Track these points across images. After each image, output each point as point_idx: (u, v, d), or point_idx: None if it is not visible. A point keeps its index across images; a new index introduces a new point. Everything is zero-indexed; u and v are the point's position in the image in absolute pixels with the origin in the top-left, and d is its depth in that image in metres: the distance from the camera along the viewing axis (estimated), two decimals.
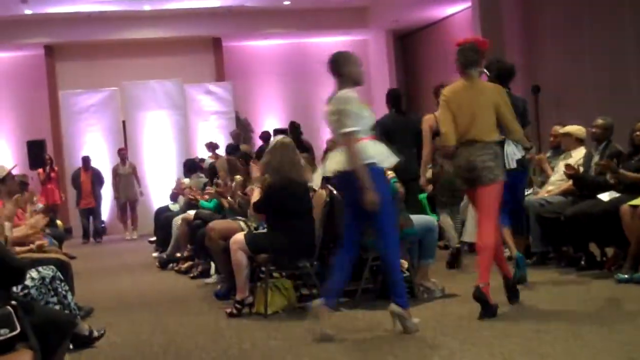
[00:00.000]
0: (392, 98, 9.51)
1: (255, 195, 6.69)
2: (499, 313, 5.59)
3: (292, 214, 6.36)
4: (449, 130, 5.74)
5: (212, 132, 17.09)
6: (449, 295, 6.50)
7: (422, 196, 10.14)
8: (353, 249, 5.50)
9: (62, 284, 5.24)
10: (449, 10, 17.22)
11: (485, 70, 6.76)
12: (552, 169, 8.38)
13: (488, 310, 5.47)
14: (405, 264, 6.57)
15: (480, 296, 5.46)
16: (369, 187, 5.11)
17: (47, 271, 5.09)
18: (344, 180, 5.38)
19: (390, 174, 6.70)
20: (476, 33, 15.34)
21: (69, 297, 5.38)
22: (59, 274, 5.19)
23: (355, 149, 5.19)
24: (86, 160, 15.87)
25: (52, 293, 4.89)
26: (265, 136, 15.01)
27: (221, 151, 14.14)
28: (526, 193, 8.23)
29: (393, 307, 5.27)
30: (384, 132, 7.80)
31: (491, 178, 5.61)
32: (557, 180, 8.08)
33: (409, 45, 19.96)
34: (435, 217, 7.94)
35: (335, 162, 5.36)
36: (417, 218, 6.78)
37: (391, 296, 5.35)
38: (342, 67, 5.73)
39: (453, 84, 6.04)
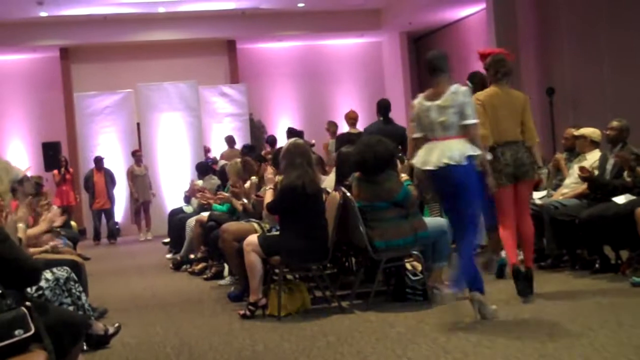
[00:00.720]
0: (382, 107, 10.13)
1: (268, 196, 6.70)
2: (512, 317, 5.57)
3: (305, 215, 6.36)
4: (486, 132, 6.07)
5: (226, 134, 17.12)
6: (463, 298, 6.47)
7: None
8: (465, 233, 5.69)
9: (76, 285, 5.26)
10: (463, 12, 17.19)
11: (468, 82, 7.37)
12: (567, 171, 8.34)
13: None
14: (419, 266, 6.56)
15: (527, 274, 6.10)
16: (490, 172, 5.80)
17: (62, 272, 5.11)
18: (443, 174, 5.52)
19: (404, 177, 6.70)
20: (490, 35, 15.33)
21: (83, 298, 5.40)
22: (73, 275, 5.21)
23: (479, 138, 5.65)
24: (99, 160, 15.92)
25: (66, 294, 4.91)
26: (271, 140, 15.06)
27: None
28: (540, 195, 8.21)
29: (474, 294, 5.52)
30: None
31: (533, 173, 6.35)
32: (571, 183, 8.03)
33: (423, 48, 19.90)
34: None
35: (437, 156, 5.51)
36: (430, 221, 6.77)
37: (470, 285, 5.58)
38: (445, 64, 5.90)
39: (486, 91, 6.47)
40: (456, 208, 5.65)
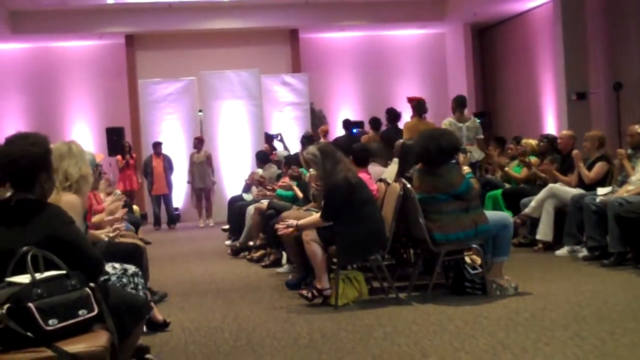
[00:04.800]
0: (392, 116, 12.59)
1: (314, 218, 6.61)
2: (573, 314, 5.49)
3: (358, 207, 6.35)
4: None
5: (287, 123, 17.20)
6: (522, 294, 6.39)
7: (498, 192, 10.06)
8: None
9: (142, 283, 5.25)
10: (530, 3, 16.90)
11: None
12: (633, 168, 8.18)
13: None
14: (478, 260, 6.50)
15: None
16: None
17: (131, 266, 5.16)
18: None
19: (466, 169, 6.64)
20: (557, 28, 15.09)
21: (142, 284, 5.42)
22: (141, 273, 5.25)
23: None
24: (157, 145, 16.12)
25: (132, 286, 4.96)
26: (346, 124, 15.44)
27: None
28: (605, 192, 8.07)
29: None
30: (387, 141, 10.58)
31: None
32: (637, 180, 7.87)
33: (488, 40, 19.70)
34: (510, 214, 7.83)
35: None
36: (491, 214, 6.71)
37: None
38: (466, 102, 10.03)
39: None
40: None
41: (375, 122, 13.33)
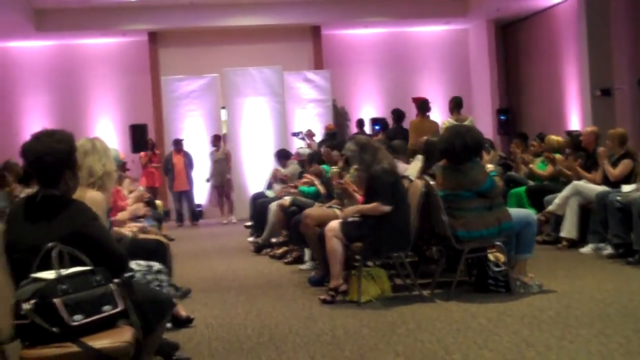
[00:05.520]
0: (397, 116, 13.44)
1: (374, 205, 6.47)
2: (598, 312, 5.45)
3: (398, 200, 6.34)
4: None
5: (309, 119, 17.20)
6: (547, 291, 6.36)
7: (521, 189, 10.01)
8: None
9: (167, 279, 5.27)
10: None
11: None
12: None
13: None
14: (501, 257, 6.47)
15: None
16: None
17: (155, 263, 5.18)
18: None
19: (490, 167, 6.61)
20: (581, 23, 14.98)
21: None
22: (165, 270, 5.26)
23: None
24: (178, 142, 16.18)
25: (157, 282, 4.98)
26: (360, 123, 15.35)
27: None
28: (629, 189, 8.01)
29: None
30: (391, 140, 10.30)
31: None
32: None
33: (511, 36, 19.57)
34: (534, 211, 7.79)
35: None
36: (515, 212, 6.67)
37: None
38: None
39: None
40: None
41: (397, 114, 13.76)
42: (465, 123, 10.76)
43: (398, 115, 13.40)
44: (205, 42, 18.38)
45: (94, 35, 18.15)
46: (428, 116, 12.29)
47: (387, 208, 6.29)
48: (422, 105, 12.26)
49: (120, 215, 6.61)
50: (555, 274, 7.14)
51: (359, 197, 6.98)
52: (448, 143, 6.44)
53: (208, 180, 16.25)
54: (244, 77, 17.03)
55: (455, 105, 11.52)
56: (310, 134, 15.85)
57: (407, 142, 10.58)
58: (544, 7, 17.49)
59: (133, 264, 4.75)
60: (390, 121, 13.85)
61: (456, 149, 6.37)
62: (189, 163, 16.19)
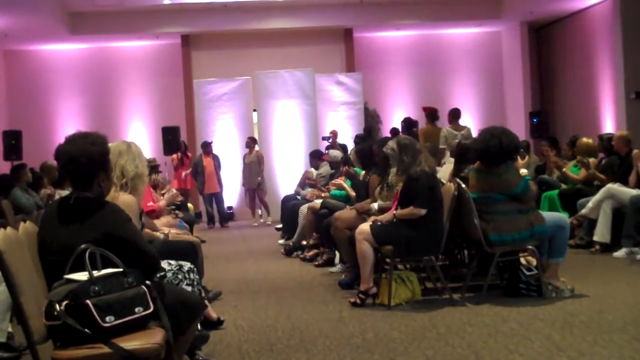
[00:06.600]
0: (407, 125, 14.87)
1: (411, 210, 6.45)
2: (631, 317, 5.39)
3: (435, 205, 6.33)
4: None
5: (340, 122, 17.19)
6: (579, 296, 6.30)
7: (554, 193, 9.94)
8: None
9: (197, 278, 5.30)
10: (588, 1, 16.60)
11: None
12: None
13: None
14: (533, 261, 6.43)
15: None
16: None
17: (186, 262, 5.20)
18: None
19: (524, 172, 6.57)
20: (616, 26, 14.83)
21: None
22: (196, 269, 5.29)
23: None
24: (207, 145, 16.22)
25: (188, 282, 5.00)
26: (395, 132, 15.17)
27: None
28: None
29: None
30: None
31: None
32: None
33: (545, 38, 19.40)
34: (566, 215, 7.72)
35: None
36: (548, 215, 6.63)
37: None
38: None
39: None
40: None
41: (407, 122, 15.23)
42: (462, 132, 11.89)
43: (408, 124, 14.99)
44: (237, 45, 18.46)
45: (127, 38, 18.32)
46: (436, 124, 13.26)
47: (422, 211, 6.27)
48: (432, 115, 13.46)
49: (157, 207, 6.72)
50: (588, 278, 7.07)
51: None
52: (484, 144, 6.41)
53: (243, 185, 16.28)
54: (275, 80, 17.07)
55: (454, 116, 12.62)
56: (334, 134, 15.87)
57: None
58: (578, 9, 17.33)
59: (164, 264, 4.78)
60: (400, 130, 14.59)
61: (491, 151, 6.34)
62: (218, 165, 16.25)
